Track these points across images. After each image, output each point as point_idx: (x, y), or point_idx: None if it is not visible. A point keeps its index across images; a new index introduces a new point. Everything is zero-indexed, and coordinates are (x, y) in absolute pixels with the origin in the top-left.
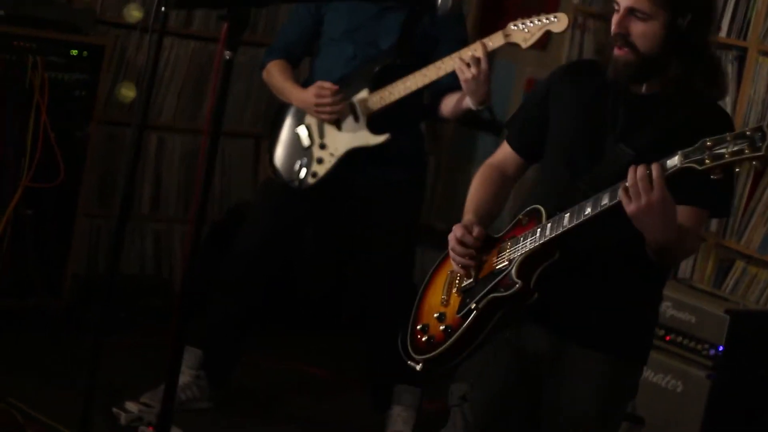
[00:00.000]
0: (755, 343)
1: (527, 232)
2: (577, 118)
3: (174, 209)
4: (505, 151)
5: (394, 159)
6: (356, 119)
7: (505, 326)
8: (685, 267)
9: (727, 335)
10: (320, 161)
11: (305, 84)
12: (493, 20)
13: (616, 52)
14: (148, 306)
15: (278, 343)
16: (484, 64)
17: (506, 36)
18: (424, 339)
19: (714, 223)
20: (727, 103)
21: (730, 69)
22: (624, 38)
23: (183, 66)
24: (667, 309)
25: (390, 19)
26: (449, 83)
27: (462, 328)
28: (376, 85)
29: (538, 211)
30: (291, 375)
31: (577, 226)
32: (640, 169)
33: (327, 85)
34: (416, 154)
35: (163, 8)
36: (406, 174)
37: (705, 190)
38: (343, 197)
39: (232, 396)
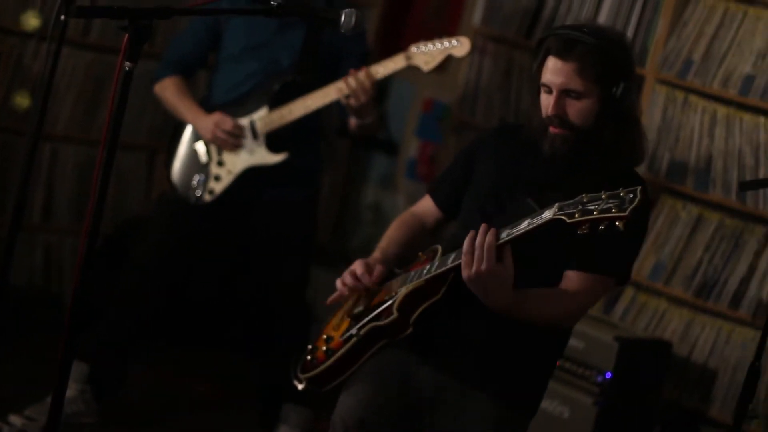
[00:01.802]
0: (643, 371)
1: (420, 268)
2: (496, 174)
3: (66, 221)
4: (427, 204)
5: (292, 178)
6: (255, 137)
7: (386, 359)
8: None
9: (616, 362)
10: (217, 178)
11: (203, 101)
12: (394, 40)
13: (553, 130)
14: (36, 318)
15: (166, 359)
16: (368, 91)
17: (407, 59)
18: (309, 358)
19: None
20: None
21: None
22: (561, 119)
23: (79, 76)
24: None
25: (290, 36)
26: None
27: (340, 352)
28: (275, 103)
29: (436, 250)
30: (179, 391)
31: (456, 266)
32: (480, 236)
33: (227, 120)
34: (314, 174)
35: (62, 17)
36: (304, 193)
37: (598, 256)
38: (239, 215)
39: (118, 411)
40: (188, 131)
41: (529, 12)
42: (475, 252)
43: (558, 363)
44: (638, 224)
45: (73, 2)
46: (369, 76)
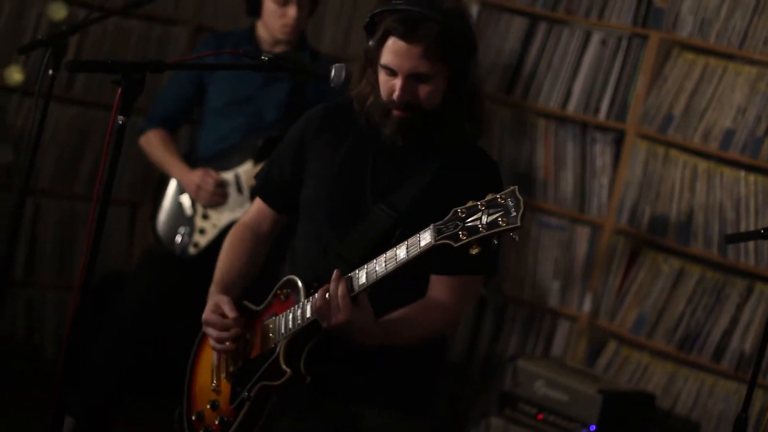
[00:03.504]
0: (627, 423)
1: (287, 310)
2: (335, 172)
3: (48, 275)
4: (258, 207)
5: None
6: (240, 191)
7: (283, 409)
8: (557, 346)
9: (600, 415)
10: (202, 231)
11: (188, 156)
12: None
13: (398, 114)
14: (18, 372)
15: (149, 413)
16: None
17: None
18: (201, 430)
19: (587, 303)
20: (603, 185)
21: (608, 151)
22: (408, 103)
23: (62, 130)
24: (539, 387)
25: (275, 91)
26: None
27: (237, 420)
28: (260, 158)
29: (295, 284)
30: None
31: None
32: (332, 287)
33: (212, 175)
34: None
35: (51, 71)
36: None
37: (462, 257)
38: None
39: None
40: (173, 184)
41: (509, 68)
42: (330, 304)
43: (540, 416)
44: None
45: (61, 57)
46: None
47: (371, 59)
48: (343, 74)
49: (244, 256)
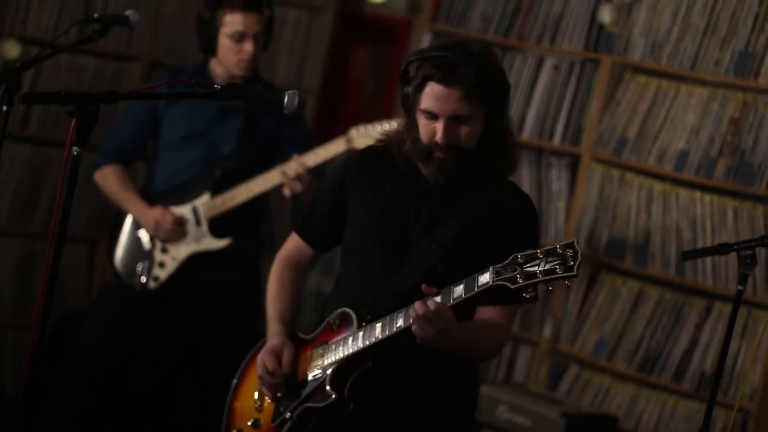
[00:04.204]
0: None
1: (338, 338)
2: (378, 212)
3: (7, 314)
4: (297, 244)
5: (235, 262)
6: (198, 223)
7: (324, 427)
8: (519, 371)
9: None
10: (162, 265)
11: (144, 190)
12: (331, 127)
13: (440, 155)
14: None
15: None
16: (305, 180)
17: (348, 141)
18: None
19: (548, 328)
20: (560, 209)
21: (564, 176)
22: (449, 145)
23: (18, 169)
24: (502, 412)
25: (230, 123)
26: None
27: None
28: (217, 190)
29: (349, 316)
30: None
31: (390, 336)
32: (423, 305)
33: (167, 216)
34: (257, 256)
35: (5, 107)
36: (247, 276)
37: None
38: (183, 300)
39: None
40: (129, 219)
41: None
42: (423, 318)
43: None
44: (534, 245)
45: (16, 93)
46: (302, 164)
47: (409, 105)
48: (296, 101)
49: (292, 291)
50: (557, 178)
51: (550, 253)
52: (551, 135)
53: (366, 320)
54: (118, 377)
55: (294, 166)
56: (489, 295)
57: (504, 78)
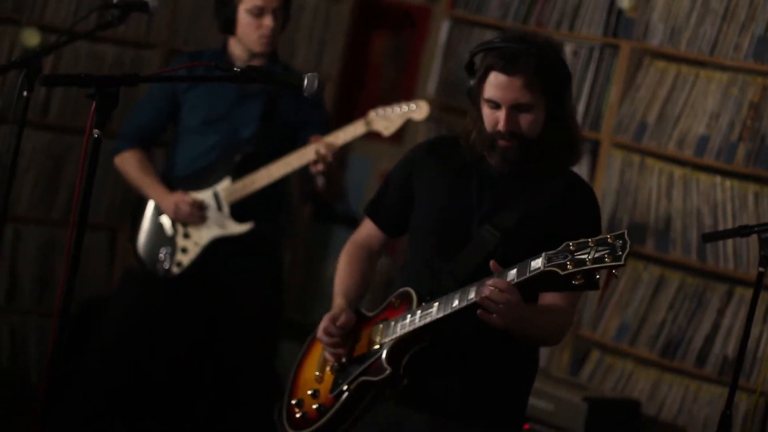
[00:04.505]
0: (613, 430)
1: (398, 316)
2: (443, 198)
3: (29, 301)
4: (369, 229)
5: (258, 247)
6: (219, 208)
7: (378, 403)
8: (541, 356)
9: (586, 423)
10: (184, 251)
11: (164, 175)
12: (350, 114)
13: (503, 143)
14: (4, 399)
15: None
16: (330, 158)
17: (367, 124)
18: (298, 415)
19: None
20: None
21: (584, 161)
22: (512, 133)
23: (39, 157)
24: None
25: (250, 108)
26: None
27: (334, 409)
28: (238, 174)
29: (409, 295)
30: None
31: (446, 316)
32: (494, 281)
33: (187, 199)
34: (278, 242)
35: (25, 93)
36: (269, 261)
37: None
38: (206, 286)
39: None
40: (151, 205)
41: None
42: (491, 297)
43: (527, 426)
44: (597, 234)
45: (35, 78)
46: (329, 144)
47: (474, 95)
48: (316, 83)
49: (359, 271)
50: (577, 164)
51: (601, 243)
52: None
53: (425, 300)
54: (141, 363)
55: (322, 144)
56: (546, 281)
57: (566, 68)
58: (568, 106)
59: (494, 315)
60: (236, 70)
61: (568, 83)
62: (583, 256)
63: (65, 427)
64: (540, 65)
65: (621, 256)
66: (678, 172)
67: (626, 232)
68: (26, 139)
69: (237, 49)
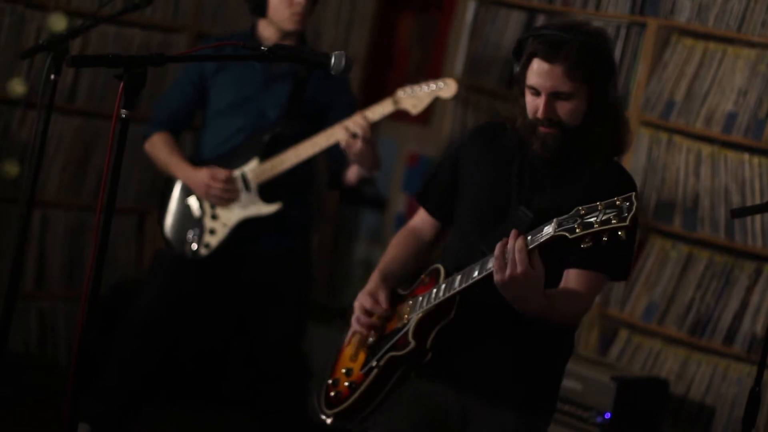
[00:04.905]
0: (642, 410)
1: (426, 292)
2: (486, 181)
3: (58, 286)
4: (421, 216)
5: (286, 228)
6: (247, 189)
7: (408, 380)
8: None
9: (614, 402)
10: (213, 232)
11: (192, 159)
12: (377, 96)
13: (544, 130)
14: (34, 384)
15: (165, 417)
16: (367, 134)
17: (395, 102)
18: (332, 393)
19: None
20: None
21: None
22: (551, 120)
23: (66, 141)
24: None
25: (277, 90)
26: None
27: (364, 385)
28: (266, 155)
29: (438, 270)
30: None
31: (467, 287)
32: (510, 241)
33: (219, 171)
34: (306, 223)
35: (52, 76)
36: (297, 243)
37: (598, 254)
38: (235, 267)
39: None
40: (178, 187)
41: (509, 61)
42: (507, 256)
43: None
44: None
45: (62, 62)
46: (365, 118)
47: (519, 82)
48: (343, 61)
49: (405, 252)
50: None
51: (609, 206)
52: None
53: (452, 274)
54: (171, 345)
55: (357, 120)
56: (561, 248)
57: (610, 59)
58: (611, 96)
59: (507, 275)
60: (264, 49)
61: (612, 74)
62: (591, 219)
63: (97, 410)
64: (582, 54)
65: (626, 217)
66: (706, 149)
67: (634, 194)
68: (54, 124)
69: (267, 30)
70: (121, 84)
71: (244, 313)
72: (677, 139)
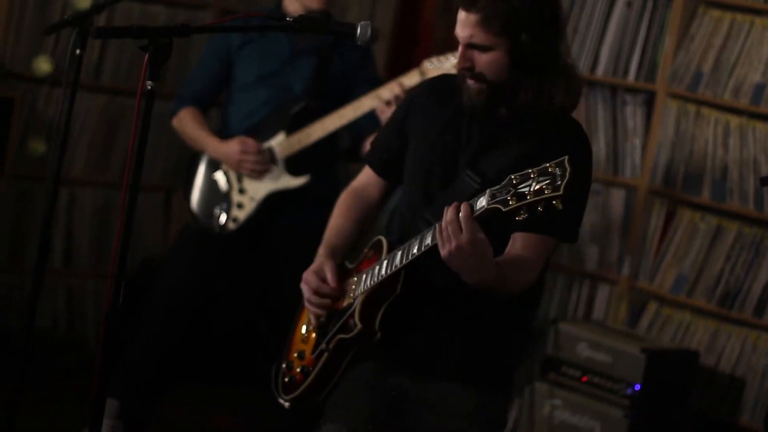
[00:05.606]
0: (672, 382)
1: (369, 267)
2: (434, 139)
3: (86, 264)
4: (367, 174)
5: (313, 201)
6: (274, 162)
7: (362, 360)
8: (598, 309)
9: (644, 374)
10: (240, 206)
11: (219, 133)
12: (402, 65)
13: (470, 83)
14: (62, 362)
15: (191, 394)
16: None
17: (422, 73)
18: (287, 379)
19: (626, 266)
20: (636, 147)
21: (639, 113)
22: (470, 71)
23: (93, 119)
24: (583, 349)
25: (302, 63)
26: (369, 125)
27: (316, 369)
28: (292, 128)
29: (380, 243)
30: (204, 427)
31: (408, 264)
32: (451, 211)
33: (250, 141)
34: (332, 196)
35: (78, 51)
36: (325, 216)
37: (545, 216)
38: (262, 242)
39: None
40: (204, 162)
41: None
42: (450, 227)
43: (585, 378)
44: (577, 183)
45: (87, 37)
46: (400, 84)
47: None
48: (369, 31)
49: (350, 219)
50: (632, 115)
51: (542, 173)
52: (625, 72)
53: (395, 248)
54: (199, 321)
55: (392, 87)
56: (497, 219)
57: (536, 11)
58: (539, 51)
59: (454, 245)
60: (289, 20)
61: (537, 26)
62: (524, 189)
63: (125, 385)
64: (500, 5)
65: (560, 185)
66: (734, 121)
67: (567, 158)
68: (80, 101)
69: (293, 6)
70: (146, 55)
71: (270, 287)
72: (705, 111)
